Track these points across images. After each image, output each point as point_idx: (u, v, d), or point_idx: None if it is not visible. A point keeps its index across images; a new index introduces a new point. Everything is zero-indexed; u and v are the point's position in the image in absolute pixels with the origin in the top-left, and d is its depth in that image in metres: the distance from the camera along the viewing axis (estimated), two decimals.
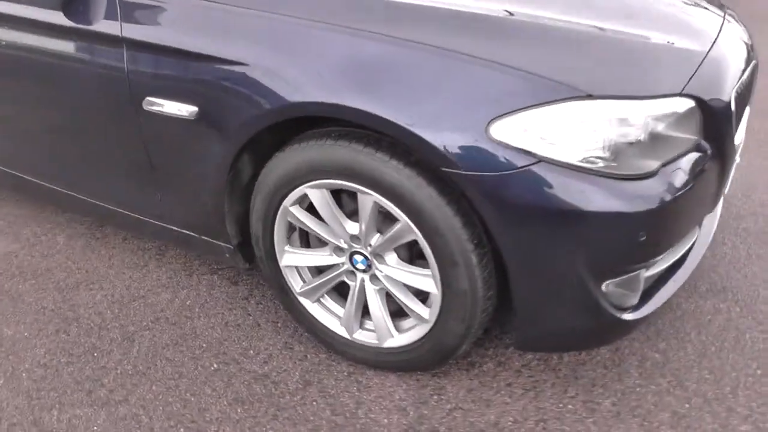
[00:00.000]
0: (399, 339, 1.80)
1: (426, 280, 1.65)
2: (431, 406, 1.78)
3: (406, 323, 1.82)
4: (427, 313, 1.71)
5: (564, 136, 1.41)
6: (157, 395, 1.86)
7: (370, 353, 1.87)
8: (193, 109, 1.73)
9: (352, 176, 1.58)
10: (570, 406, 1.78)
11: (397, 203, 1.56)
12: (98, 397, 1.87)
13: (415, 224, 1.56)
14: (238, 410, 1.80)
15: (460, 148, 1.43)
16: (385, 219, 1.67)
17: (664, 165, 1.48)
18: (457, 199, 1.53)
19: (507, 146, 1.41)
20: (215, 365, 1.95)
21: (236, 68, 1.63)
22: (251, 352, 2.00)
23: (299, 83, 1.55)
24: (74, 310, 2.20)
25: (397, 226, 1.61)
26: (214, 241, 2.01)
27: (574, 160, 1.41)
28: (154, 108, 1.79)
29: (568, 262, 1.49)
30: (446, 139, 1.44)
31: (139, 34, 1.76)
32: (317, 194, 1.68)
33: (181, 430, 1.75)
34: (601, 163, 1.42)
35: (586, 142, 1.41)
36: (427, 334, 1.73)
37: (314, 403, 1.80)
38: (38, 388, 1.91)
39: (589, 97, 1.41)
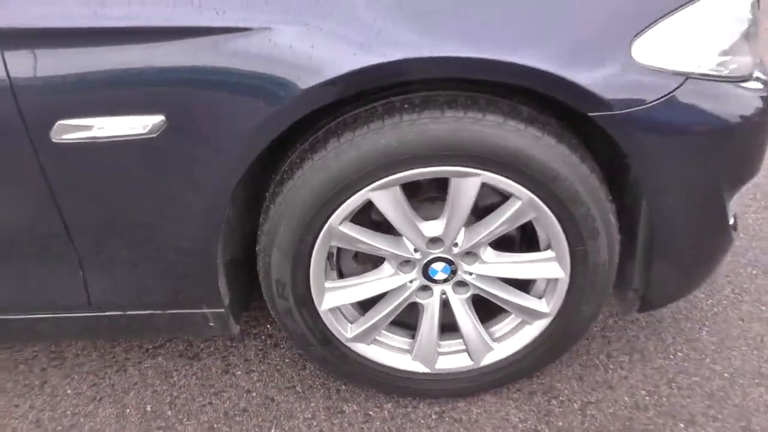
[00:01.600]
0: (501, 350, 1.41)
1: (547, 265, 1.29)
2: (559, 413, 1.44)
3: (496, 330, 1.44)
4: (545, 305, 1.35)
5: (699, 44, 1.16)
6: None
7: (461, 381, 1.44)
8: (157, 119, 1.10)
9: (453, 156, 1.14)
10: (680, 354, 1.58)
11: (516, 177, 1.16)
12: None
13: (542, 197, 1.18)
14: None
15: (609, 82, 1.10)
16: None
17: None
18: (585, 154, 1.20)
19: (654, 69, 1.12)
20: None
21: (241, 37, 1.04)
22: None
23: (360, 43, 1.04)
24: None
25: (515, 207, 1.20)
26: (192, 310, 1.37)
27: (711, 69, 1.18)
28: (75, 136, 1.11)
29: (715, 186, 1.27)
30: (591, 75, 1.09)
31: (27, 19, 1.05)
32: (385, 196, 1.19)
33: None
34: (726, 71, 1.20)
35: (717, 46, 1.19)
36: (545, 330, 1.37)
37: None
38: None
39: None
